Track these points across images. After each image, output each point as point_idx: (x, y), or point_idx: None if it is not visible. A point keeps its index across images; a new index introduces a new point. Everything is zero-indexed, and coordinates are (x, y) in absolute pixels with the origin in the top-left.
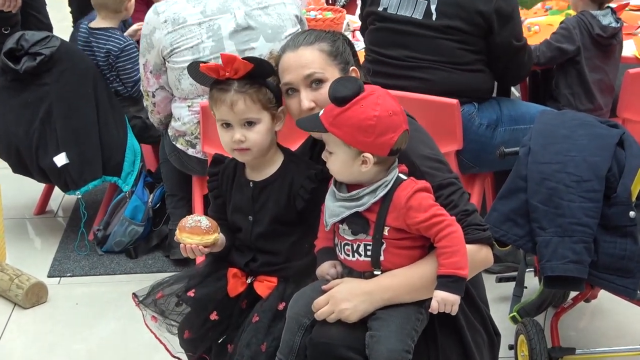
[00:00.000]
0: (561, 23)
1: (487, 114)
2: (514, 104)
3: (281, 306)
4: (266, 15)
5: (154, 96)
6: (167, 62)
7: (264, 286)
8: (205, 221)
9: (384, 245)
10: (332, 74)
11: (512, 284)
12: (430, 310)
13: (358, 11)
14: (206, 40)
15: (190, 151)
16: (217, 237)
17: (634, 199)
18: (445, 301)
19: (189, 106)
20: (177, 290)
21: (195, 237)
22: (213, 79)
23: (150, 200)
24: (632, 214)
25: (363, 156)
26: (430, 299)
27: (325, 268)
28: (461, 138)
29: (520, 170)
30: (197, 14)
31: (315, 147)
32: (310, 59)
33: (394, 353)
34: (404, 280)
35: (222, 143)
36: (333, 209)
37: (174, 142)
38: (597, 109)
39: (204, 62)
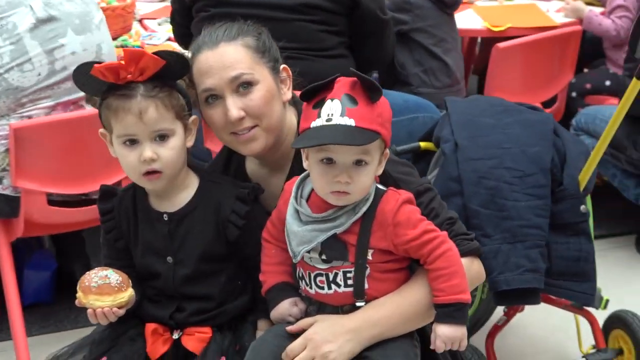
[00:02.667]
0: None
1: None
2: None
3: None
4: (69, 2)
5: None
6: None
7: (196, 339)
8: (113, 275)
9: (367, 271)
10: (262, 74)
11: None
12: (436, 351)
13: None
14: (2, 44)
15: None
16: (132, 292)
17: (581, 190)
18: (452, 339)
19: None
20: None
21: (107, 297)
22: (105, 84)
23: None
24: (583, 207)
25: (386, 152)
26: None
27: (285, 308)
28: None
29: (449, 170)
30: None
31: (230, 164)
32: (235, 58)
33: None
34: (395, 311)
35: (125, 167)
36: (303, 234)
37: None
38: (455, 83)
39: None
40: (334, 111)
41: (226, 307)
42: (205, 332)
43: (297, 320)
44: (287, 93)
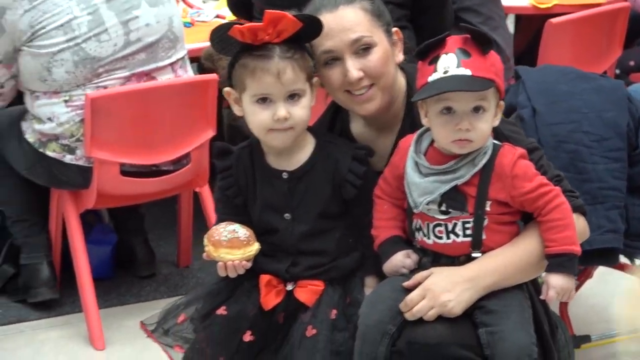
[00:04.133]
0: None
1: None
2: None
3: (334, 314)
4: None
5: (2, 87)
6: (25, 49)
7: (309, 292)
8: (241, 230)
9: (485, 222)
10: (379, 37)
11: None
12: (547, 301)
13: None
14: (79, 14)
15: (68, 158)
16: (259, 246)
17: None
18: (564, 289)
19: (65, 101)
20: (202, 310)
21: (237, 251)
22: (239, 44)
23: None
24: None
25: (500, 103)
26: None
27: (399, 260)
28: None
29: (529, 134)
30: None
31: (334, 125)
32: (355, 21)
33: (524, 349)
34: (509, 260)
35: (253, 124)
36: (424, 185)
37: (41, 150)
38: (505, 61)
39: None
40: (449, 64)
41: (338, 262)
42: (318, 285)
43: (410, 271)
44: (399, 55)
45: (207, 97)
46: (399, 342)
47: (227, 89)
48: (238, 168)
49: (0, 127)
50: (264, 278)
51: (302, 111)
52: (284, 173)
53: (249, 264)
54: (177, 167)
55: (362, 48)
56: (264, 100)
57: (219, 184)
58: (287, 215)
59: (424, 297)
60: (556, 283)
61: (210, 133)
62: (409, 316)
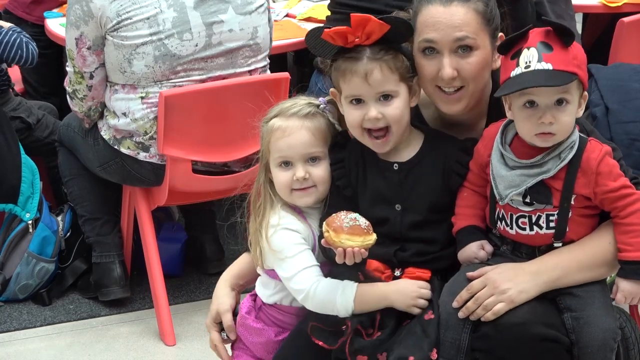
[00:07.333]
0: None
1: None
2: None
3: None
4: None
5: (91, 77)
6: (109, 38)
7: (416, 279)
8: (362, 218)
9: (569, 215)
10: (483, 41)
11: None
12: (616, 302)
13: None
14: (166, 10)
15: (142, 155)
16: (376, 236)
17: None
18: (633, 294)
19: (142, 97)
20: None
21: (357, 238)
22: (335, 47)
23: (60, 228)
24: None
25: (585, 94)
26: None
27: (472, 251)
28: None
29: (601, 133)
30: None
31: None
32: (464, 20)
33: (608, 332)
34: (573, 258)
35: (348, 124)
36: (511, 178)
37: (115, 146)
38: None
39: None
40: (531, 58)
41: (446, 252)
42: (425, 273)
43: (481, 263)
44: (497, 61)
45: (279, 95)
46: (484, 326)
47: (332, 89)
48: (350, 160)
49: (75, 125)
50: (372, 264)
51: (394, 112)
52: (395, 164)
53: (366, 253)
54: (247, 169)
55: (463, 48)
56: (358, 101)
57: (332, 175)
58: (397, 206)
59: (485, 286)
60: (625, 287)
61: None
62: (470, 304)
